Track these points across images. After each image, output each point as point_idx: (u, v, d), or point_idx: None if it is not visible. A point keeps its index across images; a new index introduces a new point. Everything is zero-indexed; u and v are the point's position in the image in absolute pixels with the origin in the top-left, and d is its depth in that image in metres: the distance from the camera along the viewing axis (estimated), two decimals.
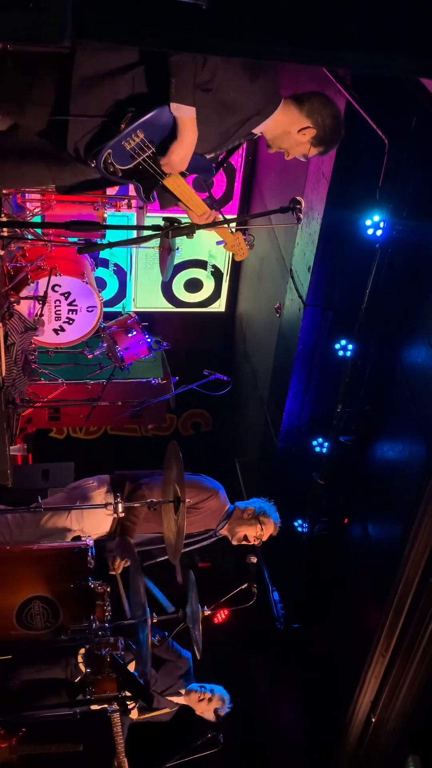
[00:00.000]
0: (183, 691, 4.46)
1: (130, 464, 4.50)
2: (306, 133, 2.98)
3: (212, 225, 2.79)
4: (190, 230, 2.56)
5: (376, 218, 4.05)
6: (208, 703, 4.46)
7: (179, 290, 7.19)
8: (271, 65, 2.91)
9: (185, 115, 2.65)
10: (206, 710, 4.45)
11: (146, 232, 2.71)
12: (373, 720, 4.12)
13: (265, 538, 4.18)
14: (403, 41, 1.56)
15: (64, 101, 2.72)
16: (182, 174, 2.89)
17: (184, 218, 3.07)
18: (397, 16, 1.52)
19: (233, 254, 3.29)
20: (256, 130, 3.02)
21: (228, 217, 3.19)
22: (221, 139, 2.94)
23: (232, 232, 3.14)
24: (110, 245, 2.77)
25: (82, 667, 4.10)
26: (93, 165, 2.74)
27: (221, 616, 5.68)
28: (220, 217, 3.10)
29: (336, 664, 5.05)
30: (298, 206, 2.85)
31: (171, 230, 2.48)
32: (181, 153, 2.70)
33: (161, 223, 2.89)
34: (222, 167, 3.20)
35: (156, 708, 4.39)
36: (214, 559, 7.37)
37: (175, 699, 4.46)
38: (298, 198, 2.89)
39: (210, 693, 4.47)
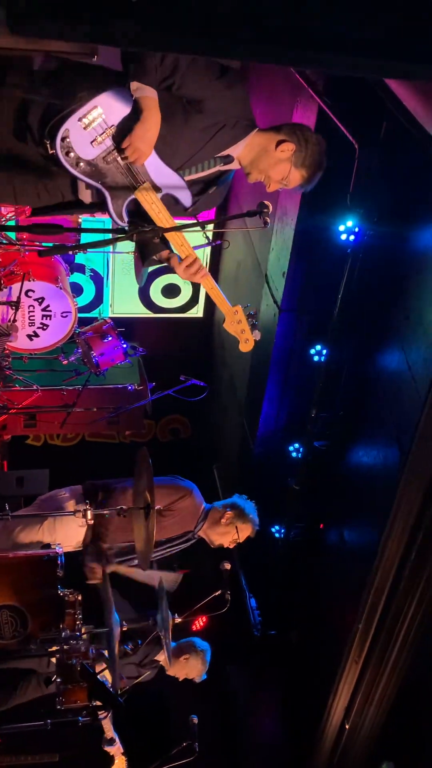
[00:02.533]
0: (160, 658, 4.36)
1: (108, 471, 4.45)
2: (285, 149, 2.95)
3: (179, 228, 2.76)
4: (153, 233, 2.53)
5: (350, 223, 4.05)
6: (186, 663, 4.37)
7: (157, 296, 7.16)
8: (239, 78, 2.90)
9: (146, 94, 2.61)
10: (182, 673, 4.38)
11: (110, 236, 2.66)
12: (347, 727, 4.10)
13: (241, 541, 4.14)
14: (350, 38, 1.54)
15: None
16: (156, 189, 2.85)
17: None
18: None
19: (236, 337, 3.25)
20: (232, 151, 2.99)
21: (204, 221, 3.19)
22: (194, 146, 2.89)
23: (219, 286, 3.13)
24: (71, 248, 2.74)
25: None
26: (51, 151, 2.70)
27: (200, 622, 5.64)
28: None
29: (312, 671, 5.03)
30: (265, 210, 2.83)
31: (135, 233, 2.45)
32: (144, 132, 2.63)
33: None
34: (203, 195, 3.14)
35: (135, 677, 4.32)
36: (193, 565, 7.33)
37: (157, 657, 4.37)
38: (265, 202, 2.87)
39: (186, 656, 4.37)
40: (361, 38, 1.74)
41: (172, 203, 2.98)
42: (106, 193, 2.84)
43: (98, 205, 2.99)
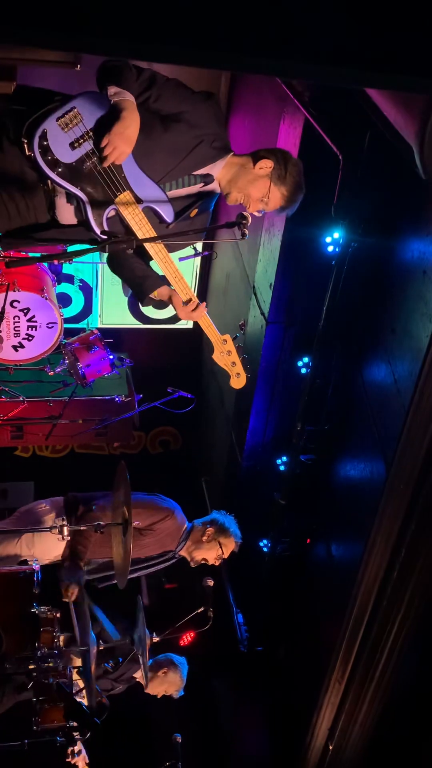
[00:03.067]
0: (137, 675, 4.28)
1: (97, 483, 4.39)
2: (263, 165, 2.96)
3: (156, 239, 2.71)
4: (128, 244, 2.49)
5: (336, 235, 4.01)
6: (161, 681, 4.29)
7: (146, 306, 7.10)
8: (214, 97, 2.89)
9: (125, 98, 2.58)
10: (161, 689, 4.30)
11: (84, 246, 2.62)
12: (331, 747, 4.02)
13: (225, 557, 4.08)
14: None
15: None
16: (138, 200, 2.80)
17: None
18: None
19: (229, 374, 3.20)
20: (211, 170, 2.96)
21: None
22: (173, 157, 2.85)
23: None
24: (43, 259, 2.69)
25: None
26: (29, 153, 2.64)
27: (187, 638, 5.57)
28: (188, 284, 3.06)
29: (297, 689, 4.96)
30: (243, 221, 2.79)
31: (108, 243, 2.40)
32: (123, 129, 2.58)
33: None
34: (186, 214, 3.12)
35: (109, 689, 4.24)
36: (180, 580, 7.25)
37: (135, 675, 4.29)
38: (244, 213, 2.83)
39: (164, 670, 4.28)
40: (342, 49, 1.70)
41: (154, 219, 2.93)
42: (86, 201, 2.78)
43: (76, 227, 2.92)
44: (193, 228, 3.04)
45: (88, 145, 2.68)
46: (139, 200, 2.81)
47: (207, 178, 2.97)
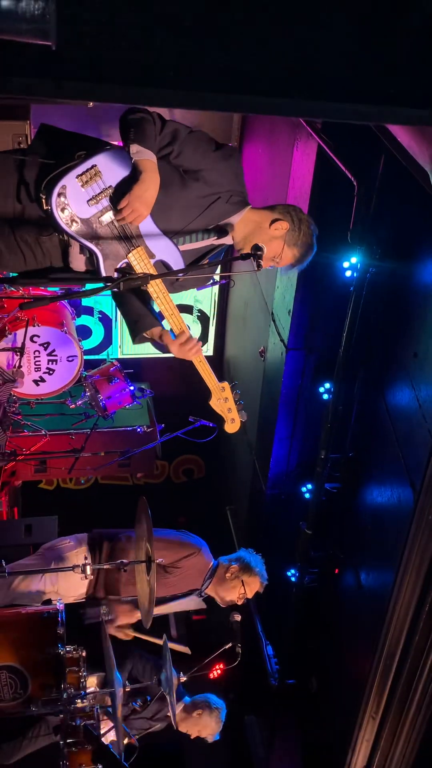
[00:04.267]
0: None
1: (122, 514, 4.35)
2: (279, 227, 2.99)
3: (168, 275, 2.70)
4: (143, 281, 2.47)
5: (354, 260, 3.98)
6: (195, 723, 4.19)
7: (138, 344, 7.09)
8: (235, 153, 2.91)
9: (146, 157, 2.59)
10: (194, 730, 4.20)
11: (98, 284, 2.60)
12: None
13: (249, 596, 4.01)
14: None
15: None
16: (151, 255, 2.81)
17: None
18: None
19: (223, 421, 3.20)
20: (226, 222, 2.97)
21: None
22: (189, 214, 2.86)
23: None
24: (59, 298, 2.68)
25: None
26: (47, 207, 2.65)
27: (217, 671, 5.48)
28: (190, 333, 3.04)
29: (331, 723, 4.83)
30: (259, 252, 2.77)
31: (123, 281, 2.39)
32: (143, 192, 2.60)
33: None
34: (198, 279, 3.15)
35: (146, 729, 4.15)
36: (208, 612, 7.16)
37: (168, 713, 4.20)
38: (259, 245, 2.81)
39: (199, 711, 4.18)
40: (357, 86, 1.68)
41: (163, 270, 2.93)
42: (99, 255, 2.79)
43: (88, 273, 2.92)
44: (200, 281, 3.10)
45: (105, 201, 2.70)
46: (151, 255, 2.83)
47: (221, 232, 2.99)
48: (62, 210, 2.66)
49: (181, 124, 2.78)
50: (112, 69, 1.22)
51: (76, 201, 2.65)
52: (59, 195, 2.62)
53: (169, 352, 3.03)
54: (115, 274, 2.78)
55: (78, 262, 2.87)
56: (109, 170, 2.67)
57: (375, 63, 1.47)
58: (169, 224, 2.82)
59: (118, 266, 2.79)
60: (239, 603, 3.99)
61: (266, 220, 2.99)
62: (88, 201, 2.67)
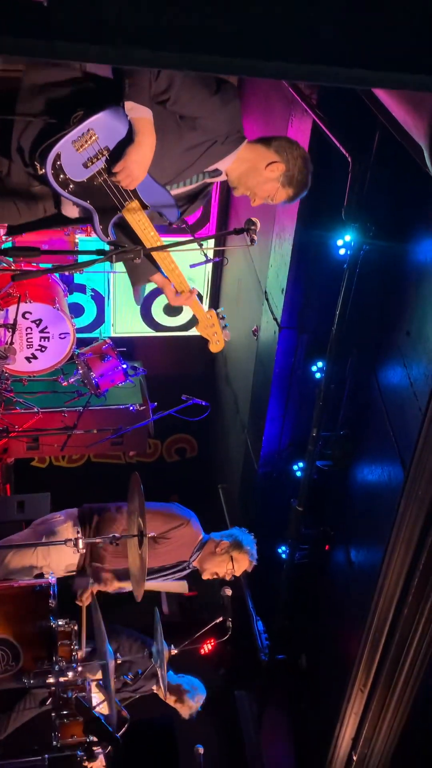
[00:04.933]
0: (154, 688, 4.26)
1: (114, 492, 4.37)
2: (274, 169, 2.93)
3: (162, 248, 2.68)
4: (135, 254, 2.45)
5: (348, 238, 3.97)
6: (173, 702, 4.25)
7: (158, 314, 7.10)
8: (234, 94, 2.85)
9: (142, 115, 2.55)
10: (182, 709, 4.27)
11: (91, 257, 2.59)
12: (355, 758, 3.95)
13: (237, 574, 4.03)
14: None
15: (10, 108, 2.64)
16: (144, 206, 2.79)
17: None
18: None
19: (208, 342, 3.26)
20: (221, 165, 2.94)
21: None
22: (184, 162, 2.84)
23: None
24: (53, 270, 2.67)
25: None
26: (41, 171, 2.63)
27: (208, 647, 5.53)
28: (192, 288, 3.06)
29: (320, 698, 4.89)
30: (252, 227, 2.75)
31: (115, 254, 2.38)
32: (139, 157, 2.58)
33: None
34: (189, 214, 3.13)
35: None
36: (200, 588, 7.22)
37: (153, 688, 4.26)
38: (253, 219, 2.80)
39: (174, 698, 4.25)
40: (354, 49, 1.66)
41: (156, 216, 2.94)
42: (93, 212, 2.78)
43: (82, 220, 2.94)
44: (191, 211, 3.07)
45: (101, 163, 2.67)
46: (145, 206, 2.80)
47: (215, 173, 2.95)
48: (57, 175, 2.63)
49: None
50: (106, 29, 1.20)
51: (71, 165, 2.62)
52: (54, 160, 2.60)
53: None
54: (110, 230, 2.79)
55: (71, 210, 2.88)
56: (105, 131, 2.62)
57: (373, 26, 1.45)
58: (163, 173, 2.79)
59: (111, 223, 2.79)
60: (227, 579, 4.01)
61: (262, 160, 2.92)
62: (83, 164, 2.64)
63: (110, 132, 2.62)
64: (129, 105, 2.56)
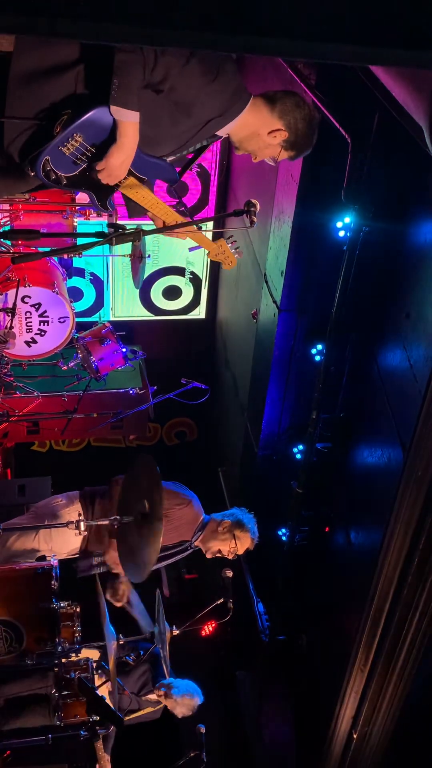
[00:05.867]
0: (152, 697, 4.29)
1: (115, 475, 4.39)
2: (277, 136, 2.83)
3: (161, 230, 2.68)
4: (135, 236, 2.45)
5: (347, 220, 3.96)
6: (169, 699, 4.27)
7: (158, 298, 7.09)
8: (231, 60, 2.77)
9: (126, 119, 2.53)
10: (174, 708, 4.29)
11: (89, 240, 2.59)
12: (355, 736, 4.00)
13: (240, 552, 4.06)
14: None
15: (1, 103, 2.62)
16: (142, 180, 2.77)
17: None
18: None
19: (221, 263, 3.21)
20: (221, 132, 2.90)
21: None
22: (179, 142, 2.81)
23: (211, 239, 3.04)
24: (51, 253, 2.66)
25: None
26: (32, 174, 2.64)
27: (208, 628, 5.58)
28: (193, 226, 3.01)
29: (320, 677, 4.94)
30: (252, 209, 2.74)
31: (115, 237, 2.38)
32: (119, 158, 2.58)
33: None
34: (188, 170, 3.10)
35: (135, 710, 4.24)
36: (200, 571, 7.27)
37: (152, 697, 4.30)
38: (252, 201, 2.79)
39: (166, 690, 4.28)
40: (350, 26, 1.65)
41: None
42: (90, 194, 2.79)
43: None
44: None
45: (88, 156, 2.68)
46: (142, 180, 2.78)
47: (213, 138, 2.89)
48: (48, 176, 2.66)
49: (175, 57, 2.58)
50: (109, 5, 1.18)
51: (61, 165, 2.64)
52: (44, 165, 2.61)
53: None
54: (109, 204, 2.78)
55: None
56: (91, 132, 2.62)
57: (373, 2, 1.44)
58: (163, 150, 2.80)
59: (109, 197, 2.79)
60: (229, 557, 4.03)
61: (264, 126, 2.81)
62: (73, 162, 2.65)
63: (96, 131, 2.62)
64: (114, 110, 2.55)
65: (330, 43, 1.66)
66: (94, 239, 2.35)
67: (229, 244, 3.14)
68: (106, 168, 2.60)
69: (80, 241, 3.43)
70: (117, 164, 2.59)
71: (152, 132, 2.69)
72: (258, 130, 2.83)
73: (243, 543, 3.99)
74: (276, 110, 2.81)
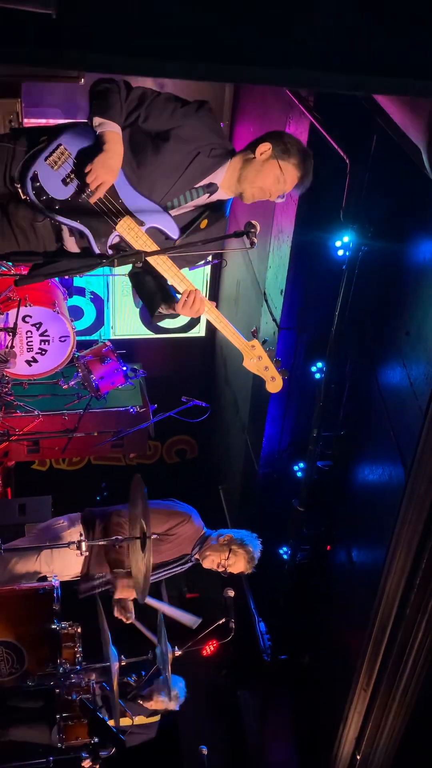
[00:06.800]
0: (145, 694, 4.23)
1: (115, 493, 4.39)
2: (264, 150, 2.84)
3: (162, 252, 2.69)
4: (137, 258, 2.47)
5: (346, 239, 3.99)
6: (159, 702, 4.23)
7: (159, 322, 7.10)
8: (205, 107, 2.83)
9: (109, 129, 2.59)
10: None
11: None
12: (359, 757, 3.96)
13: (232, 570, 4.01)
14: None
15: None
16: (140, 224, 2.77)
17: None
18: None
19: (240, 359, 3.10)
20: (214, 178, 2.91)
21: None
22: (169, 179, 2.80)
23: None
24: (52, 275, 2.68)
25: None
26: (24, 197, 2.65)
27: (210, 648, 5.54)
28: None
29: (323, 697, 4.90)
30: (252, 230, 2.76)
31: (117, 258, 2.39)
32: (105, 160, 2.59)
33: None
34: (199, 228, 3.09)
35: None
36: (202, 590, 7.23)
37: (150, 704, 4.23)
38: (252, 222, 2.80)
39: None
40: (352, 57, 1.67)
41: (159, 237, 2.88)
42: (88, 233, 2.77)
43: (83, 254, 2.88)
44: (209, 237, 2.96)
45: (76, 173, 2.70)
46: (141, 223, 2.78)
47: (211, 188, 2.92)
48: (39, 195, 2.66)
49: (149, 88, 2.74)
50: (112, 38, 1.21)
51: (50, 184, 2.66)
52: (32, 180, 2.63)
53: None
54: (110, 251, 2.77)
55: (71, 244, 2.86)
56: (77, 147, 2.67)
57: (373, 32, 1.47)
58: (153, 190, 2.78)
59: (110, 242, 2.77)
60: (220, 571, 3.97)
61: (249, 152, 2.86)
62: (62, 181, 2.67)
63: (81, 147, 2.66)
64: (96, 120, 2.61)
65: (334, 73, 1.69)
66: (95, 261, 2.37)
67: (268, 350, 3.02)
68: (92, 169, 2.59)
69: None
70: (102, 164, 2.59)
71: (139, 163, 2.73)
72: (247, 159, 2.87)
73: (238, 560, 3.94)
74: (255, 140, 2.89)
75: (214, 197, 2.95)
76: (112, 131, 2.59)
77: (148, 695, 4.04)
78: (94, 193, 2.64)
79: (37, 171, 2.61)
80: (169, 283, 2.93)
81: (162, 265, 2.81)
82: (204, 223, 2.97)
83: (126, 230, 2.72)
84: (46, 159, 2.61)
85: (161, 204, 2.80)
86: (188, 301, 2.86)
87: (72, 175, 2.65)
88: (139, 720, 4.08)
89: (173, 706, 4.09)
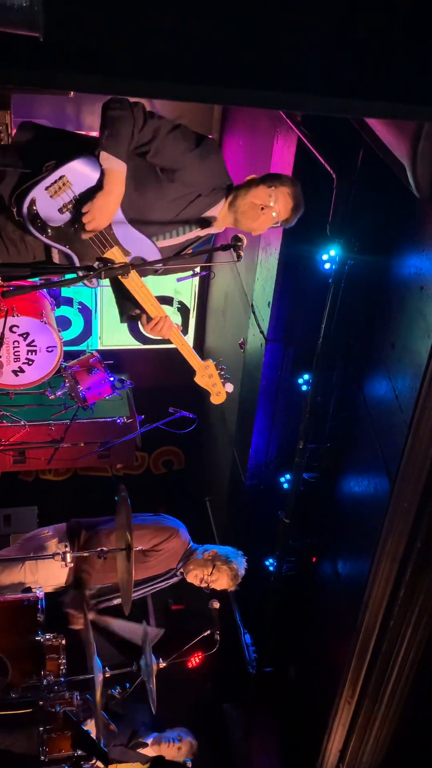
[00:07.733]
0: (149, 742, 4.29)
1: (101, 505, 4.37)
2: (249, 177, 2.99)
3: (146, 264, 2.72)
4: (124, 270, 2.49)
5: (333, 253, 4.02)
6: (178, 751, 4.32)
7: (124, 323, 7.11)
8: (215, 149, 2.90)
9: (115, 167, 2.60)
10: (177, 757, 4.30)
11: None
12: None
13: (215, 586, 4.02)
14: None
15: None
16: (126, 254, 2.80)
17: None
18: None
19: (209, 394, 3.29)
20: (210, 213, 2.97)
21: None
22: (165, 216, 2.86)
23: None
24: (40, 286, 2.70)
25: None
26: (18, 218, 2.67)
27: (195, 660, 5.52)
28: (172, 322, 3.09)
29: (308, 710, 4.89)
30: (239, 243, 2.79)
31: (104, 270, 2.41)
32: (104, 202, 2.63)
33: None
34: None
35: (120, 761, 4.20)
36: (187, 602, 7.20)
37: (144, 751, 4.29)
38: (239, 235, 2.84)
39: (178, 742, 4.32)
40: (337, 79, 1.70)
41: (141, 262, 2.95)
42: (74, 257, 2.84)
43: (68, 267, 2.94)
44: (190, 262, 3.08)
45: (73, 205, 2.72)
46: (127, 253, 2.84)
47: (204, 222, 2.98)
48: (34, 220, 2.69)
49: (165, 119, 2.75)
50: (99, 60, 1.23)
51: (46, 211, 2.68)
52: (29, 208, 2.65)
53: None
54: (96, 264, 2.80)
55: (60, 257, 2.91)
56: (79, 179, 2.68)
57: (360, 56, 1.50)
58: (146, 225, 2.83)
59: (94, 263, 2.81)
60: (203, 586, 3.99)
61: (240, 186, 2.99)
62: (59, 210, 2.70)
63: (83, 179, 2.68)
64: (103, 155, 2.62)
65: (322, 96, 1.72)
66: (83, 272, 2.38)
67: (219, 370, 3.24)
68: (90, 210, 2.63)
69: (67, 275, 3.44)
70: (101, 207, 2.63)
71: (139, 198, 2.76)
72: (237, 190, 2.97)
73: (221, 576, 3.96)
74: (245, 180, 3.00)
75: (206, 231, 3.01)
76: (118, 170, 2.60)
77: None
78: (87, 232, 2.67)
79: (35, 197, 2.64)
80: (144, 308, 2.99)
81: (138, 291, 2.87)
82: (188, 251, 3.04)
83: (112, 257, 2.77)
84: (46, 188, 2.63)
85: (151, 237, 2.84)
86: (157, 326, 3.05)
87: (69, 206, 2.66)
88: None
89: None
